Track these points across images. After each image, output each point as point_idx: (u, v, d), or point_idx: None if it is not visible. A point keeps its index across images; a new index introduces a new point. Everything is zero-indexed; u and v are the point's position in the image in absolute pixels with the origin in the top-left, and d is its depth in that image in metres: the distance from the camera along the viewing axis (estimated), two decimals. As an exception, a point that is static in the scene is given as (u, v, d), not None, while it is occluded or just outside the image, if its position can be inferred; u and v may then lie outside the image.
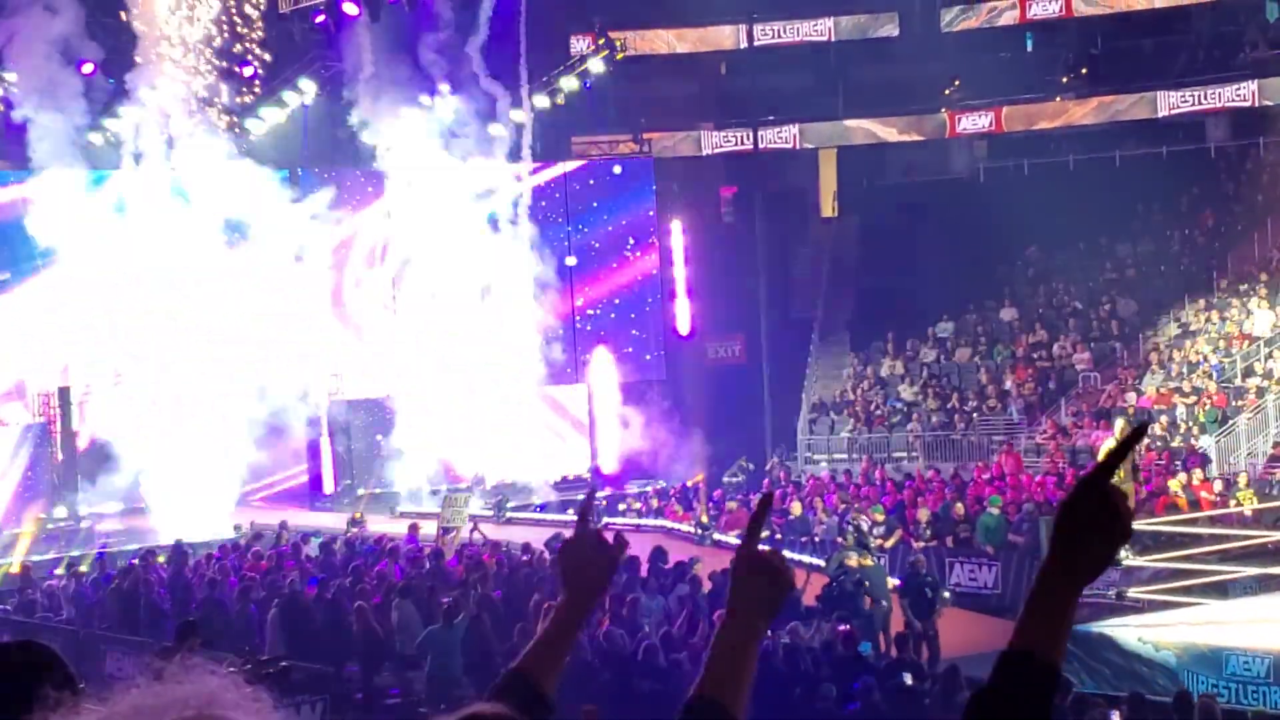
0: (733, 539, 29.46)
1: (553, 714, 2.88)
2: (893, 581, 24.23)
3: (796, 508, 30.63)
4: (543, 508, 35.39)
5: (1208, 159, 39.96)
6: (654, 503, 34.79)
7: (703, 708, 2.50)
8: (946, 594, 22.43)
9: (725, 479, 36.93)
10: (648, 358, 41.57)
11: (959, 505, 29.18)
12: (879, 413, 38.82)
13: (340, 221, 37.88)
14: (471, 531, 28.26)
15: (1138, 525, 21.18)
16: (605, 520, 32.09)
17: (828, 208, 44.05)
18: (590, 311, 41.53)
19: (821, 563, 25.16)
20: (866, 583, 22.16)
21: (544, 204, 40.37)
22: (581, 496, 4.83)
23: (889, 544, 28.44)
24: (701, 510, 32.06)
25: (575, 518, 3.30)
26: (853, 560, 22.70)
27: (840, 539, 24.97)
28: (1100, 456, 2.40)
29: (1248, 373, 34.23)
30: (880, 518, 29.10)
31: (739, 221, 42.78)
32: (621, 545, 3.32)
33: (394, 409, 37.44)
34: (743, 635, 2.71)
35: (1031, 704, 2.33)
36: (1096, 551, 2.42)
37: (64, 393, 34.24)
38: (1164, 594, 21.03)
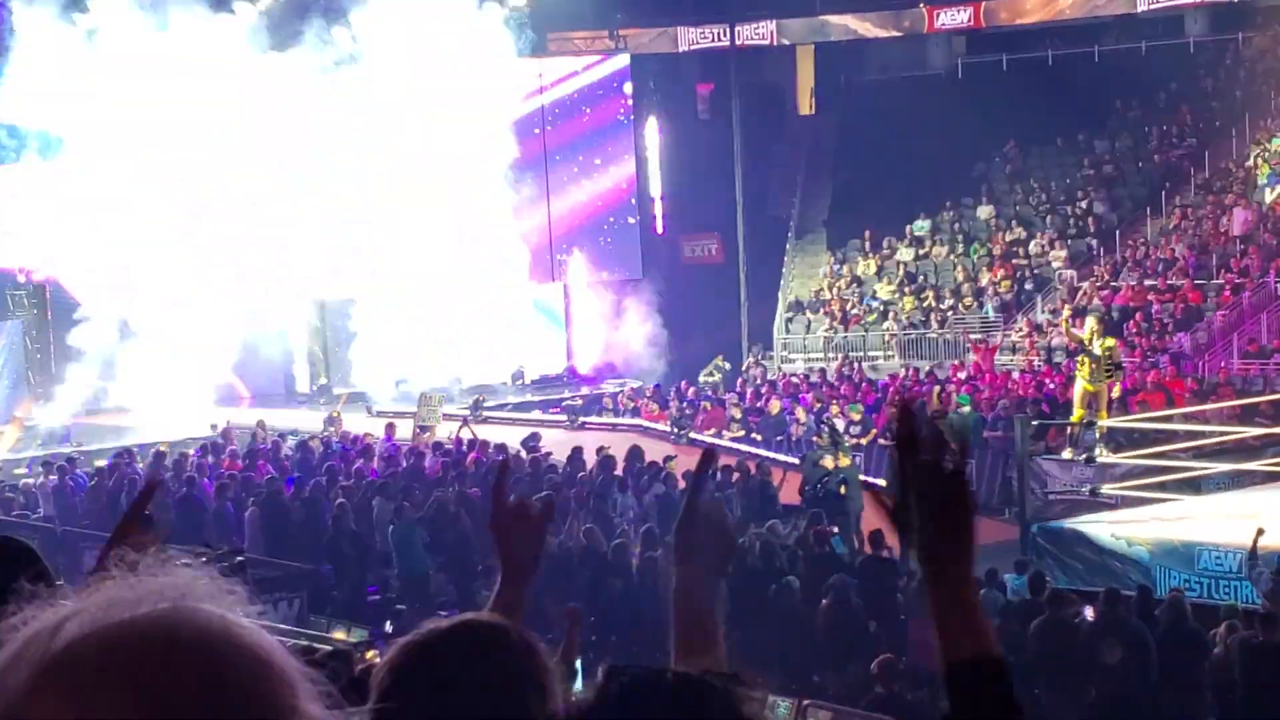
0: (708, 437, 29.59)
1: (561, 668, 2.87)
2: (872, 479, 24.40)
3: (774, 406, 30.73)
4: (530, 407, 35.44)
5: (1186, 54, 39.79)
6: (629, 403, 34.85)
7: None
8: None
9: (701, 378, 36.99)
10: (624, 257, 41.49)
11: (933, 403, 29.32)
12: (855, 311, 38.88)
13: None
14: (460, 428, 28.25)
15: (1114, 422, 21.34)
16: (581, 419, 32.16)
17: (805, 105, 43.78)
18: (566, 211, 41.39)
19: (797, 461, 25.29)
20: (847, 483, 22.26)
21: (521, 101, 40.12)
22: (505, 461, 4.81)
23: (864, 442, 28.61)
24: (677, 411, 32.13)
25: (491, 494, 3.32)
26: (828, 461, 22.78)
27: (816, 439, 25.04)
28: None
29: (1222, 270, 34.29)
30: (858, 416, 29.23)
31: (715, 119, 42.52)
32: (548, 512, 3.32)
33: (368, 307, 37.32)
34: (702, 597, 2.72)
35: (998, 701, 2.28)
36: (955, 537, 2.33)
37: (39, 288, 34.06)
38: (1137, 490, 21.16)
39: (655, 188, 42.45)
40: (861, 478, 23.89)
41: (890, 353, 37.30)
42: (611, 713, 2.11)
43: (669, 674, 2.20)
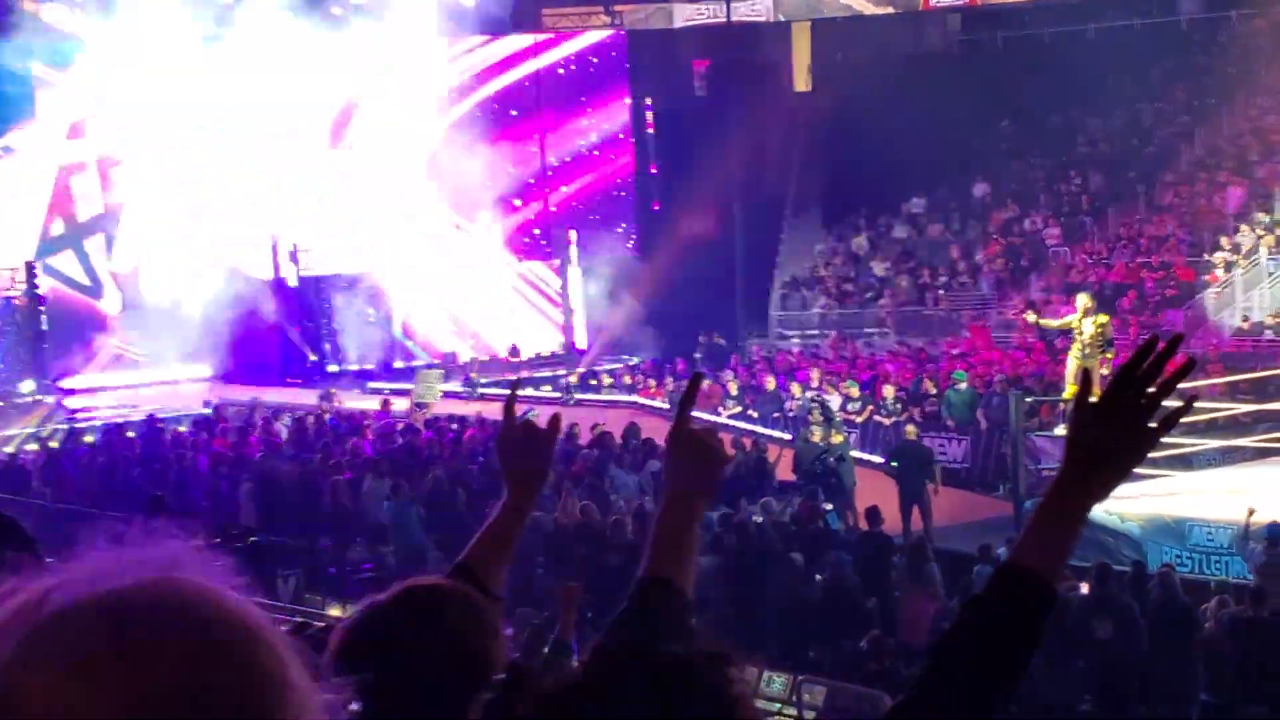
0: (706, 415, 29.62)
1: (500, 604, 2.91)
2: (866, 455, 24.49)
3: (770, 382, 30.77)
4: (526, 384, 35.43)
5: (1180, 31, 39.75)
6: (626, 379, 34.88)
7: (653, 586, 2.53)
8: (938, 466, 22.58)
9: (698, 355, 37.00)
10: (621, 234, 41.48)
11: (930, 381, 29.39)
12: (851, 289, 38.89)
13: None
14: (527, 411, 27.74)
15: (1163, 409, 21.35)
16: (577, 396, 32.21)
17: (801, 82, 43.74)
18: (564, 188, 41.43)
19: (787, 436, 25.36)
20: (842, 459, 22.32)
21: (518, 77, 40.15)
22: (516, 380, 4.86)
23: (860, 419, 28.65)
24: (674, 388, 32.15)
25: (502, 411, 3.31)
26: (817, 436, 22.85)
27: (809, 416, 25.10)
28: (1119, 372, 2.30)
29: (1215, 247, 34.31)
30: (855, 393, 29.27)
31: (711, 96, 42.48)
32: (554, 426, 3.32)
33: (366, 284, 37.33)
34: (683, 516, 2.72)
35: (1026, 623, 2.34)
36: (1114, 470, 2.39)
37: (30, 266, 34.05)
38: (1130, 466, 21.20)
39: (652, 165, 42.42)
40: (855, 454, 23.97)
41: (886, 330, 37.33)
42: (596, 691, 2.11)
43: (656, 653, 2.18)
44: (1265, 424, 23.03)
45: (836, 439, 22.97)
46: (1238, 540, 17.02)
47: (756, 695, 13.34)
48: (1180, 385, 2.49)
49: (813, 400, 26.54)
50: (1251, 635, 13.39)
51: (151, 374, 32.36)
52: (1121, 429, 2.38)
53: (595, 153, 41.95)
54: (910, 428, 23.60)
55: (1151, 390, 2.40)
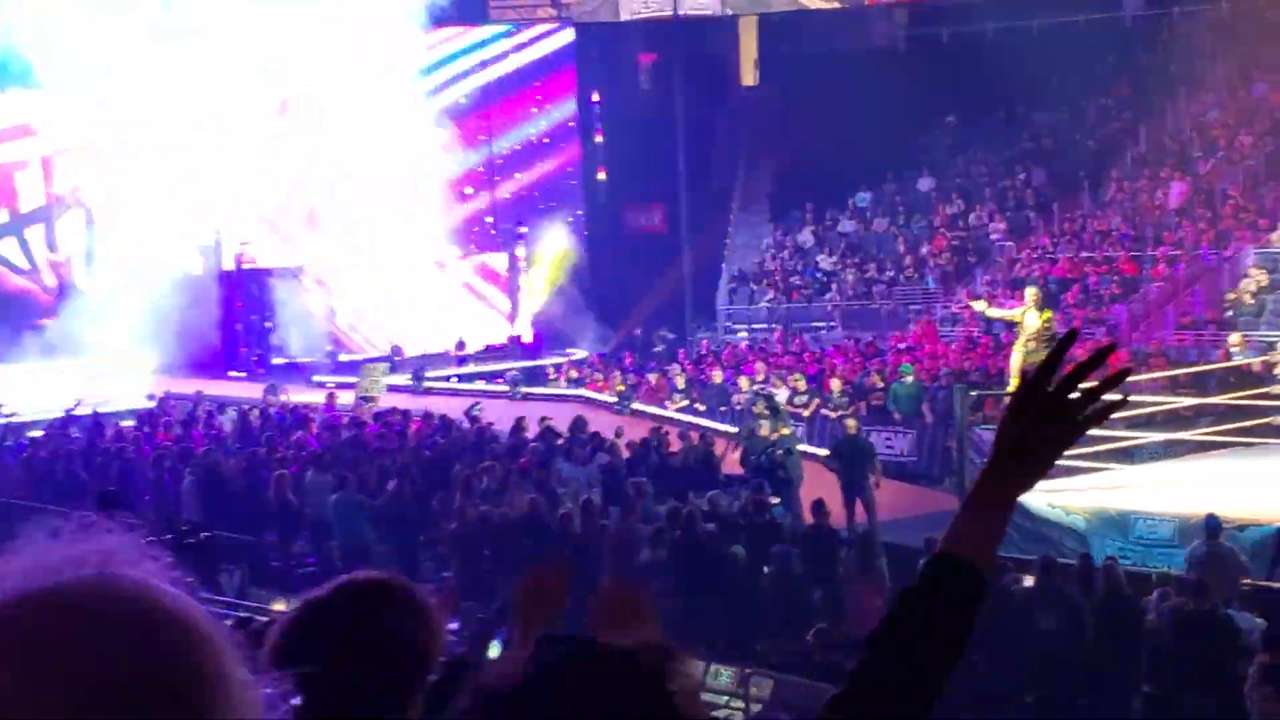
0: (653, 409, 29.65)
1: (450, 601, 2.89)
2: (812, 449, 24.55)
3: (717, 376, 30.82)
4: (473, 378, 35.36)
5: (1123, 28, 40.01)
6: (573, 373, 34.86)
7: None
8: (879, 459, 22.63)
9: (657, 349, 37.06)
10: (567, 227, 41.43)
11: (876, 374, 29.51)
12: (798, 283, 38.99)
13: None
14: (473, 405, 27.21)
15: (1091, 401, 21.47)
16: (524, 390, 32.17)
17: (748, 76, 43.79)
18: (513, 179, 41.40)
19: (734, 429, 25.40)
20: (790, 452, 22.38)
21: (461, 69, 40.09)
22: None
23: (807, 413, 28.74)
24: (621, 382, 32.14)
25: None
26: (764, 430, 22.89)
27: (754, 409, 25.16)
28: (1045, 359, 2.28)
29: (1158, 242, 34.55)
30: (802, 387, 29.35)
31: (658, 90, 42.49)
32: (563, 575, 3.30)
33: (308, 277, 37.14)
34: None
35: (959, 610, 2.35)
36: (1037, 463, 2.40)
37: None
38: (1072, 460, 21.31)
39: (599, 159, 42.40)
40: (802, 447, 24.03)
41: (833, 323, 37.44)
42: (539, 685, 2.11)
43: (600, 647, 2.20)
44: (1206, 418, 23.21)
45: (783, 432, 23.02)
46: (1183, 532, 17.16)
47: (704, 688, 13.37)
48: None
49: (759, 394, 26.58)
50: (1192, 628, 13.50)
51: (94, 366, 32.06)
52: (1044, 423, 2.38)
53: (545, 142, 41.98)
54: (851, 421, 23.65)
55: (1081, 387, 2.40)
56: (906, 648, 2.32)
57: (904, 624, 2.35)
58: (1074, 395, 2.39)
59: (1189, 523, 17.09)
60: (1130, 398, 23.71)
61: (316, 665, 2.55)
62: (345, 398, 29.03)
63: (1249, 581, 15.40)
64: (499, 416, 26.18)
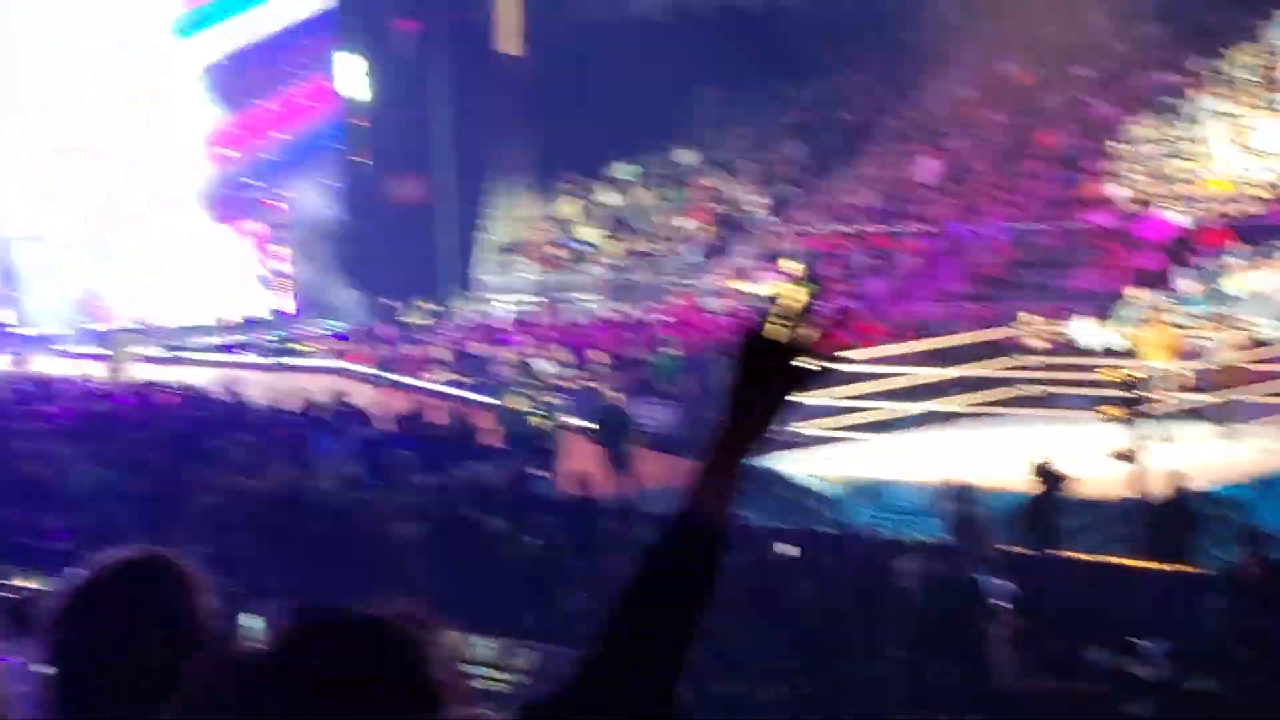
0: (413, 381, 29.40)
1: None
2: (575, 420, 24.58)
3: (479, 348, 30.69)
4: (229, 349, 34.65)
5: (879, 6, 40.75)
6: (333, 344, 34.40)
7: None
8: (639, 432, 22.74)
9: (405, 320, 36.74)
10: (327, 197, 40.84)
11: (640, 346, 29.68)
12: (560, 255, 38.99)
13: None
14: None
15: (807, 363, 21.82)
16: (281, 361, 31.65)
17: (511, 45, 43.61)
18: (268, 148, 40.62)
19: (495, 402, 25.33)
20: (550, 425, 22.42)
21: (221, 30, 39.21)
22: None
23: (570, 385, 28.79)
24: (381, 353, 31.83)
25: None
26: (524, 403, 22.90)
27: (515, 381, 25.13)
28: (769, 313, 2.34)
29: (911, 216, 35.32)
30: (565, 358, 29.42)
31: (419, 58, 42.05)
32: None
33: (55, 244, 36.02)
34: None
35: (700, 566, 2.39)
36: (762, 418, 2.47)
37: None
38: (830, 429, 21.72)
39: (359, 128, 41.83)
40: (565, 419, 24.07)
41: (596, 296, 37.52)
42: (292, 654, 2.09)
43: (353, 615, 2.18)
44: (958, 387, 23.82)
45: (544, 402, 23.05)
46: (935, 500, 17.57)
47: (466, 660, 13.29)
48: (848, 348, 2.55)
49: (521, 366, 26.55)
50: (943, 592, 13.82)
51: None
52: (764, 383, 2.46)
53: (305, 107, 41.27)
54: (611, 392, 23.75)
55: (798, 350, 2.48)
56: (653, 607, 2.36)
57: (649, 585, 2.38)
58: (795, 358, 2.46)
59: (941, 490, 17.52)
60: (884, 369, 24.28)
61: (85, 638, 2.60)
62: (93, 369, 28.23)
63: (999, 547, 15.82)
64: (257, 388, 25.71)
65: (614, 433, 22.03)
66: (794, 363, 2.46)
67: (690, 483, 2.45)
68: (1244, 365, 21.57)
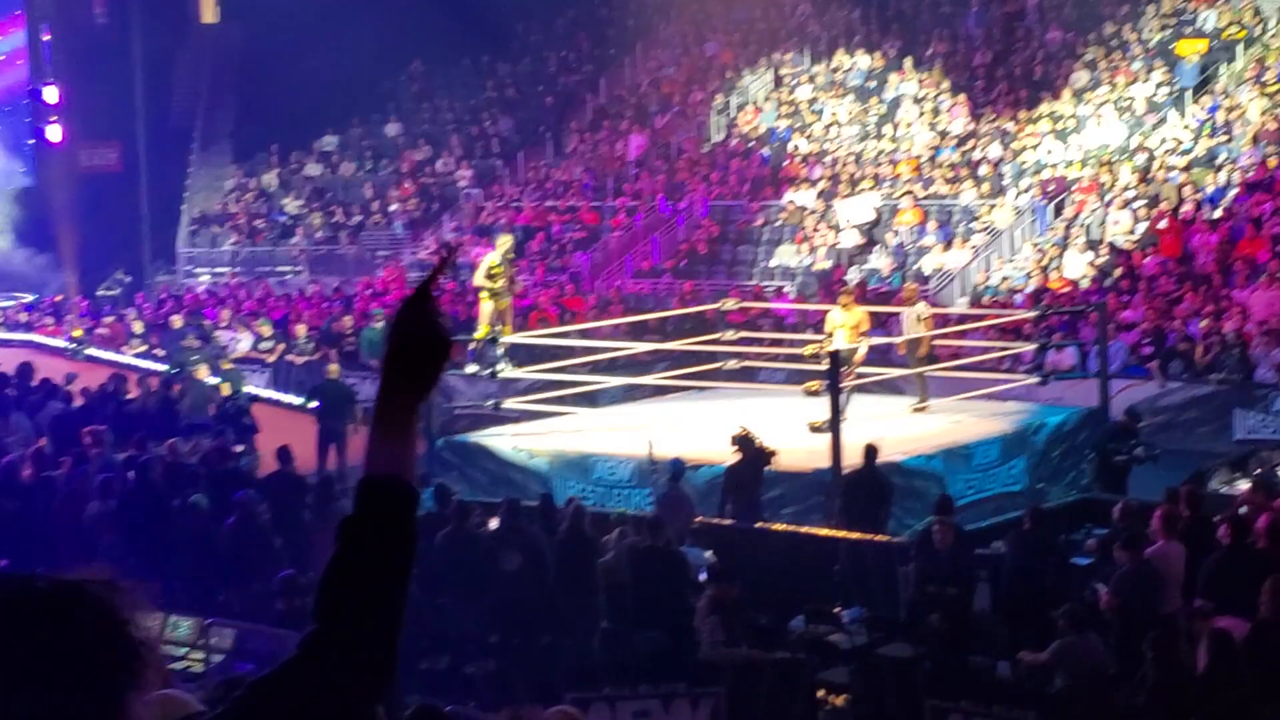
0: (109, 354, 28.54)
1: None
2: (280, 396, 24.21)
3: (177, 321, 29.91)
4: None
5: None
6: (23, 316, 33.16)
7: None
8: (359, 405, 22.42)
9: (100, 292, 35.65)
10: (15, 164, 39.32)
11: (346, 319, 29.37)
12: (262, 226, 38.30)
13: None
14: None
15: (515, 338, 21.90)
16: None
17: (209, 13, 42.63)
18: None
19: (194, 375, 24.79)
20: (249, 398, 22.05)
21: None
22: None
23: (272, 359, 28.41)
24: (76, 326, 30.80)
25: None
26: (203, 372, 22.64)
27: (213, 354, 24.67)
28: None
29: (618, 192, 35.67)
30: (268, 332, 28.97)
31: (114, 24, 40.73)
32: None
33: None
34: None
35: (398, 525, 2.41)
36: (430, 368, 2.50)
37: None
38: (538, 404, 21.80)
39: (51, 94, 40.31)
40: (268, 393, 23.68)
41: (299, 268, 36.97)
42: None
43: (41, 581, 2.12)
44: (664, 362, 24.12)
45: (226, 368, 22.82)
46: (642, 473, 17.78)
47: (163, 640, 12.99)
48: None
49: (221, 339, 26.09)
50: (647, 563, 14.02)
51: None
52: (415, 338, 2.48)
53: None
54: (333, 366, 23.45)
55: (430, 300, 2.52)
56: (360, 574, 2.36)
57: (351, 553, 2.39)
58: (429, 309, 2.49)
59: (647, 464, 17.74)
60: (592, 343, 24.47)
61: None
62: None
63: (701, 519, 16.11)
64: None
65: (335, 407, 21.74)
66: (437, 325, 2.49)
67: (367, 448, 2.47)
68: (934, 341, 22.33)
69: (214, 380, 22.79)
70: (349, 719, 2.36)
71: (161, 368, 25.69)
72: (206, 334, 28.81)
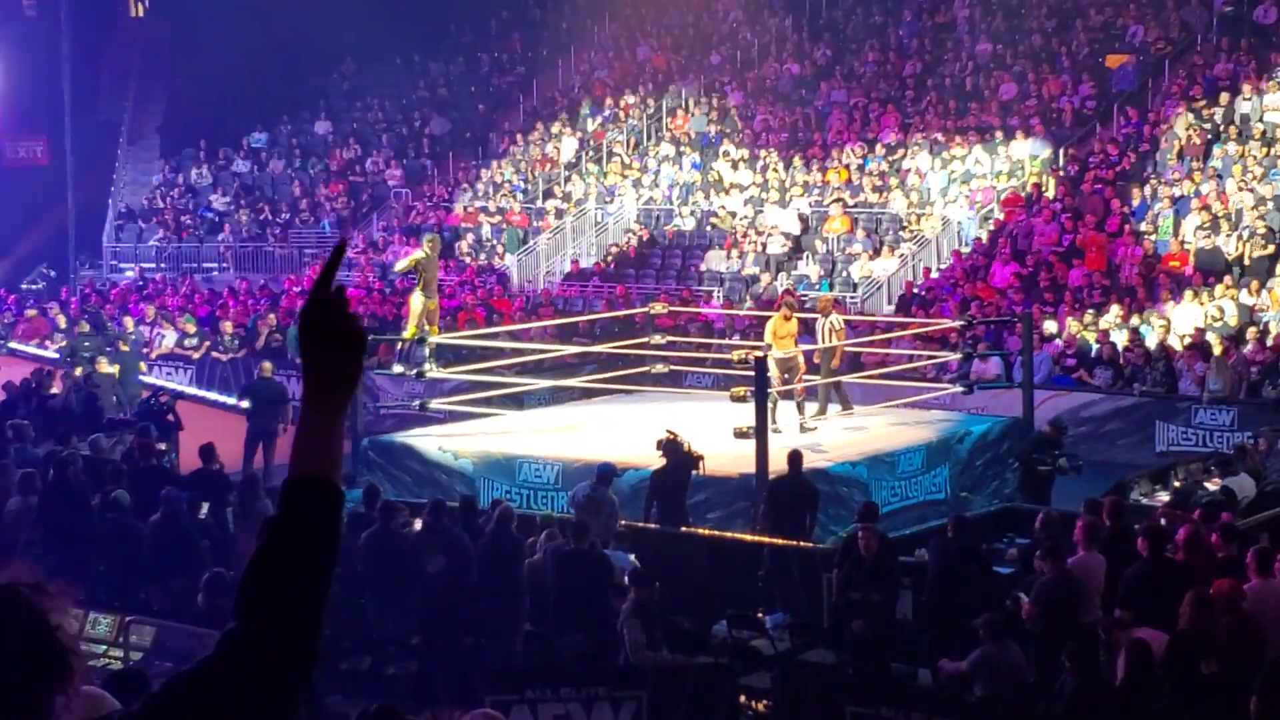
0: (31, 348, 28.26)
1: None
2: (204, 394, 24.04)
3: (102, 315, 29.69)
4: None
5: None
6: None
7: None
8: (291, 404, 22.28)
9: (24, 285, 35.30)
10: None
11: (271, 316, 29.19)
12: (189, 222, 38.02)
13: None
14: None
15: (442, 339, 21.83)
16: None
17: (135, 8, 42.30)
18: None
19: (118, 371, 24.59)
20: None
21: None
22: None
23: (197, 355, 28.21)
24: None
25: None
26: (103, 365, 22.60)
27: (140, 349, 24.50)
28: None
29: (548, 195, 35.66)
30: (193, 329, 28.78)
31: (43, 16, 40.28)
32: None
33: None
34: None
35: (322, 525, 2.43)
36: (347, 364, 2.51)
37: None
38: (464, 405, 21.75)
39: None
40: (192, 390, 23.52)
41: (225, 265, 36.74)
42: None
43: None
44: (592, 365, 24.13)
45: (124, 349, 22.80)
46: (561, 473, 17.77)
47: (82, 638, 12.85)
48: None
49: (145, 334, 25.89)
50: (570, 566, 14.01)
51: None
52: (327, 335, 2.50)
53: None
54: (267, 364, 23.29)
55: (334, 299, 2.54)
56: (280, 573, 2.38)
57: (273, 552, 2.40)
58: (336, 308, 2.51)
59: (571, 466, 17.73)
60: (520, 345, 24.44)
61: None
62: None
63: (625, 523, 16.11)
64: None
65: (267, 405, 21.60)
66: (348, 318, 2.51)
67: (293, 448, 2.49)
68: (860, 349, 22.44)
69: (110, 369, 22.77)
70: (268, 717, 2.35)
71: (83, 363, 25.44)
72: (101, 323, 28.57)
